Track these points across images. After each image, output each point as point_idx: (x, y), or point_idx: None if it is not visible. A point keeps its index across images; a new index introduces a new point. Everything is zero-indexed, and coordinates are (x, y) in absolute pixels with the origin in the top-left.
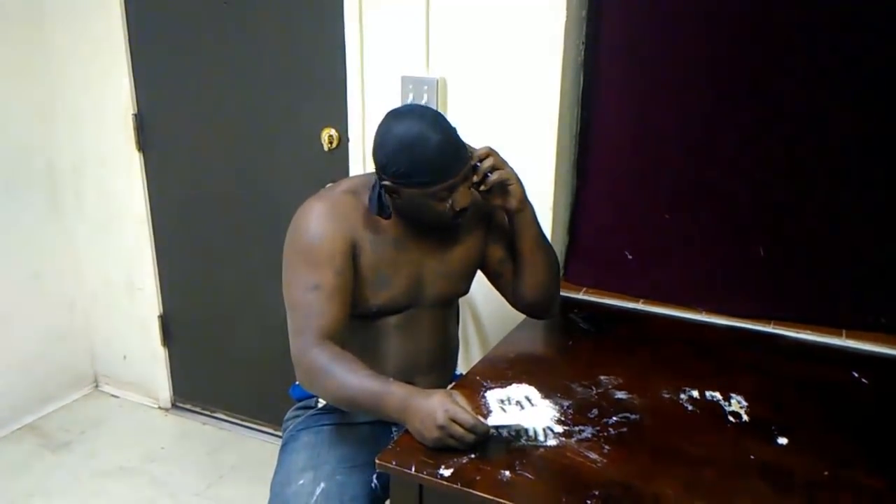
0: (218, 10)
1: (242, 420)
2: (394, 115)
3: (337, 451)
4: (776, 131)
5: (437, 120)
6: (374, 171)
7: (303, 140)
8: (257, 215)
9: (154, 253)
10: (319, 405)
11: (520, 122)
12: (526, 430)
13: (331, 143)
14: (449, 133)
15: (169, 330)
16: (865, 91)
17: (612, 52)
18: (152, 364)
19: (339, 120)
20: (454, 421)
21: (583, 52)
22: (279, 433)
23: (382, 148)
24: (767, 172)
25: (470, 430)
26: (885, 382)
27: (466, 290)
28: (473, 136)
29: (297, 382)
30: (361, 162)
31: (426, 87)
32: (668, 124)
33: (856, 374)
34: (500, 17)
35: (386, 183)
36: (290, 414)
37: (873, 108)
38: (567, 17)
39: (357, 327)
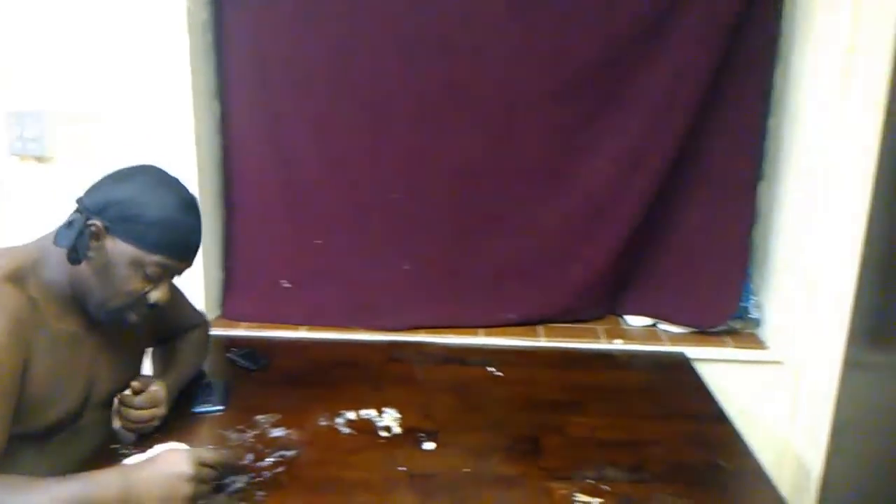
0: None
1: None
2: (158, 171)
3: None
4: (403, 151)
5: (198, 209)
6: (33, 241)
7: None
8: None
9: None
10: None
11: (157, 155)
12: None
13: None
14: (200, 228)
15: None
16: (489, 114)
17: (242, 79)
18: None
19: None
20: (204, 465)
21: (216, 80)
22: None
23: (117, 186)
24: (401, 191)
25: (223, 465)
26: (515, 371)
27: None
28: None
29: None
30: None
31: (41, 123)
32: (304, 148)
33: (490, 369)
34: (122, 46)
35: (95, 223)
36: None
37: (494, 130)
38: (191, 43)
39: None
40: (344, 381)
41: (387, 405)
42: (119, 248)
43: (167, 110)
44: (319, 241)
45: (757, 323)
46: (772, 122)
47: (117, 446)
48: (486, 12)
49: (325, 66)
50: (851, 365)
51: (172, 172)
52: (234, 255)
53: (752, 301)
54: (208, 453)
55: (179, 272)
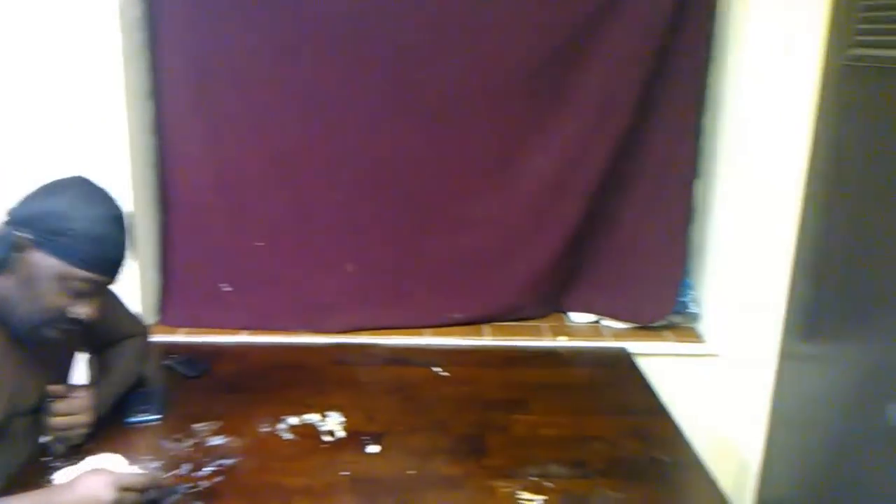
0: None
1: None
2: (89, 184)
3: None
4: (344, 151)
5: (128, 226)
6: None
7: None
8: None
9: None
10: None
11: (89, 157)
12: None
13: None
14: (128, 244)
15: None
16: (431, 114)
17: (176, 80)
18: None
19: None
20: (126, 490)
21: (150, 80)
22: None
23: (47, 199)
24: (342, 191)
25: (148, 488)
26: (460, 370)
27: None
28: (36, 177)
29: None
30: None
31: None
32: (243, 148)
33: (435, 370)
34: (52, 44)
35: (22, 234)
36: None
37: (437, 131)
38: (124, 42)
39: None
40: (286, 385)
41: (330, 409)
42: (45, 262)
43: (99, 111)
44: (260, 244)
45: (695, 317)
46: (707, 121)
47: (48, 459)
48: (429, 12)
49: (263, 64)
50: (787, 357)
51: (105, 173)
52: (171, 258)
53: (691, 296)
54: (130, 478)
55: (105, 287)
